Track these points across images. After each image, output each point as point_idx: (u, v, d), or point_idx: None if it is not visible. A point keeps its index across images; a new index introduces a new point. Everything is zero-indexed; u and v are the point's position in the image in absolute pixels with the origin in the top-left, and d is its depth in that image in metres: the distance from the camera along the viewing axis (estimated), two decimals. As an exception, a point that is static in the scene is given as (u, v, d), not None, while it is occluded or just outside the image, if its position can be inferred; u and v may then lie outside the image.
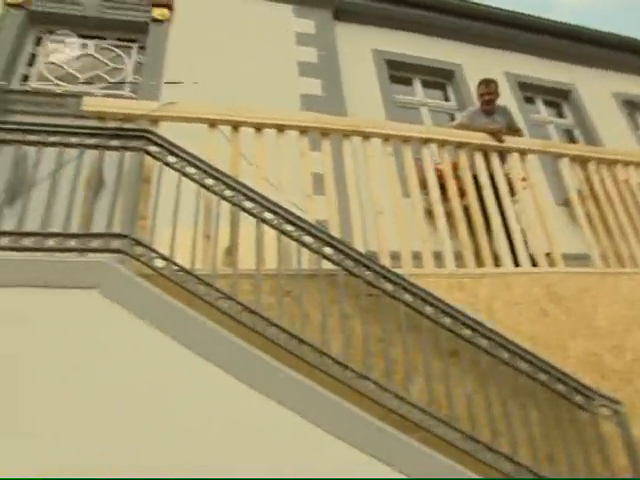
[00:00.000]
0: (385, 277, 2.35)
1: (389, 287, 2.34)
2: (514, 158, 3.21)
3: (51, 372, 1.83)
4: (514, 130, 3.97)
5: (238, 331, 1.98)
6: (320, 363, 2.04)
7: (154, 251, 2.01)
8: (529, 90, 6.45)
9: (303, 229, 2.21)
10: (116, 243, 2.02)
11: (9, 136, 2.22)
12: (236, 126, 2.65)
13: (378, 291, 2.34)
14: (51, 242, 2.05)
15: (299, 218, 2.24)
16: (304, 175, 2.65)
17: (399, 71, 5.96)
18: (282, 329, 2.03)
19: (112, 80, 4.79)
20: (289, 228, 2.21)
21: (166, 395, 1.81)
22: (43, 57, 4.93)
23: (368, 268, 2.34)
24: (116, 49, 5.07)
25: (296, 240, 2.20)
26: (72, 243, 2.04)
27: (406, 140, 3.00)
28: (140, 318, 1.88)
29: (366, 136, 2.90)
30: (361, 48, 5.79)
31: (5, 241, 2.06)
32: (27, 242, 2.06)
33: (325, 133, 2.81)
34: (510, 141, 3.27)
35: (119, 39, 5.12)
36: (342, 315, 2.25)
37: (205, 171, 2.17)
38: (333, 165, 2.77)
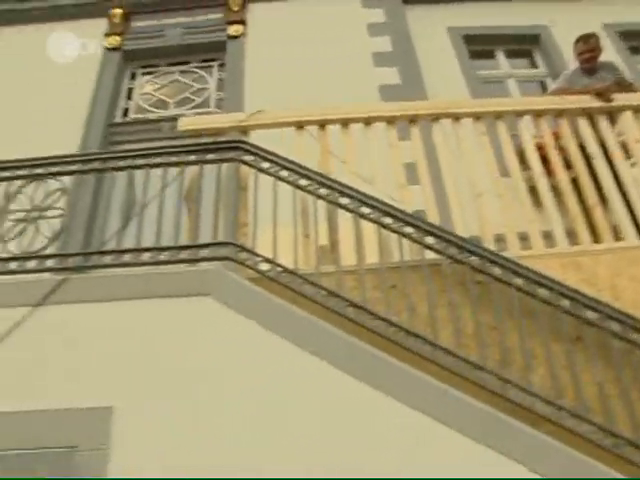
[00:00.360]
0: (492, 261, 2.22)
1: (497, 272, 2.21)
2: (626, 117, 2.88)
3: (178, 376, 1.97)
4: (625, 86, 3.52)
5: (345, 328, 1.99)
6: (432, 355, 1.97)
7: (258, 255, 2.07)
8: (634, 39, 5.73)
9: (402, 220, 2.16)
10: (222, 251, 2.12)
11: (121, 163, 2.43)
12: (323, 125, 2.67)
13: (486, 277, 2.22)
14: (164, 255, 2.21)
15: (397, 209, 2.20)
16: (395, 166, 2.60)
17: (478, 45, 5.60)
18: (390, 322, 1.99)
19: (198, 100, 5.08)
20: (388, 220, 2.17)
21: (283, 394, 1.86)
22: (138, 89, 5.37)
23: (473, 254, 2.22)
24: (199, 70, 5.38)
25: (396, 232, 2.16)
26: (183, 255, 2.18)
27: (498, 116, 2.82)
28: (252, 320, 1.95)
29: (456, 117, 2.78)
30: (435, 28, 5.54)
31: (127, 258, 2.25)
32: (145, 257, 2.23)
33: (413, 120, 2.72)
34: (620, 99, 2.94)
35: (201, 61, 5.43)
36: (450, 305, 2.17)
37: (298, 172, 2.21)
38: (424, 152, 2.68)
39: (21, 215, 2.52)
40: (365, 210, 2.21)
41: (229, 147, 2.35)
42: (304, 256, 2.28)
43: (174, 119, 4.86)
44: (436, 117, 2.79)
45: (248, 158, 2.31)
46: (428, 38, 5.40)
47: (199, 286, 2.02)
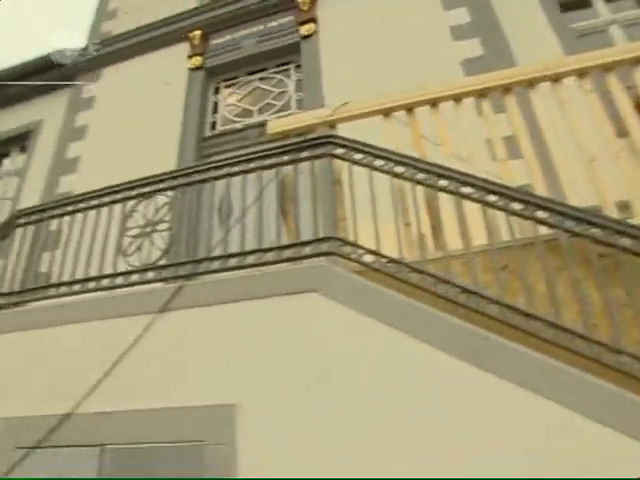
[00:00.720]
0: (618, 231, 1.99)
1: (626, 242, 1.98)
2: None
3: (295, 372, 2.02)
4: None
5: (457, 314, 1.91)
6: (555, 337, 1.82)
7: (362, 247, 2.06)
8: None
9: (508, 196, 2.02)
10: (325, 246, 2.14)
11: (219, 172, 2.54)
12: (411, 108, 2.58)
13: (612, 249, 2.00)
14: (269, 256, 2.27)
15: (501, 186, 2.06)
16: (494, 141, 2.44)
17: (569, -6, 5.04)
18: (507, 306, 1.87)
19: (279, 104, 5.20)
20: (492, 198, 2.04)
21: (402, 386, 1.82)
22: (222, 102, 5.63)
23: (594, 225, 2.02)
24: (277, 75, 5.50)
25: (503, 210, 2.02)
26: (287, 253, 2.22)
27: (608, 68, 2.52)
28: (362, 313, 1.94)
29: (555, 79, 2.54)
30: (515, -13, 5.10)
31: (233, 262, 2.35)
32: (250, 260, 2.31)
33: (507, 89, 2.54)
34: None
35: (278, 65, 5.55)
36: (572, 282, 1.99)
37: (393, 160, 2.15)
38: (524, 122, 2.49)
39: (137, 231, 2.74)
40: (466, 190, 2.09)
41: (320, 143, 2.35)
42: (406, 245, 2.22)
43: (259, 125, 5.05)
44: (532, 82, 2.58)
45: (340, 151, 2.30)
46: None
47: (305, 283, 2.05)
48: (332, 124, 2.64)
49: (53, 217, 3.16)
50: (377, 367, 1.85)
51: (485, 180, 2.08)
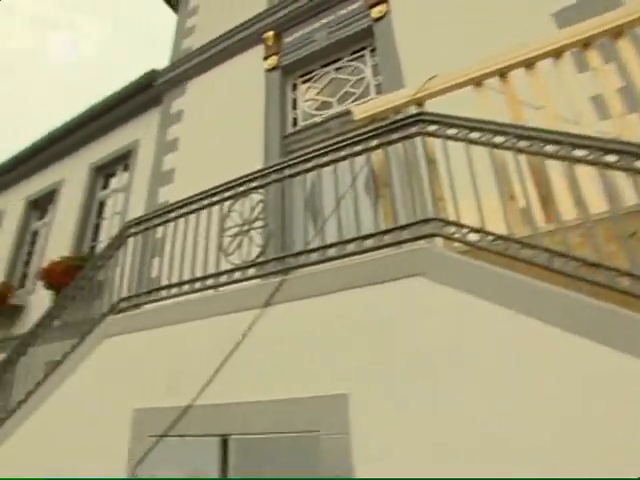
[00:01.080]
0: None
1: None
2: None
3: (404, 359, 1.96)
4: None
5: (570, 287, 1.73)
6: None
7: (465, 226, 1.94)
8: None
9: (632, 154, 1.79)
10: (426, 228, 2.05)
11: (309, 164, 2.54)
12: (503, 73, 2.39)
13: None
14: (368, 243, 2.23)
15: (622, 143, 1.82)
16: (606, 94, 2.18)
17: None
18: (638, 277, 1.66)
19: (358, 91, 5.13)
20: (612, 159, 1.82)
21: (521, 367, 1.70)
22: (301, 98, 5.68)
23: None
24: (352, 62, 5.43)
25: (626, 170, 1.79)
26: (387, 239, 2.17)
27: None
28: (471, 294, 1.84)
29: (677, 14, 2.20)
30: None
31: (331, 252, 2.34)
32: (349, 248, 2.28)
33: (618, 34, 2.24)
34: None
35: (352, 53, 5.48)
36: None
37: (491, 130, 2.01)
38: (640, 69, 2.19)
39: (235, 230, 2.84)
40: (579, 153, 1.89)
41: (410, 123, 2.26)
42: (513, 219, 2.06)
43: (340, 116, 5.03)
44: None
45: (432, 128, 2.19)
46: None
47: (410, 267, 1.98)
48: (420, 101, 2.53)
49: (159, 225, 3.38)
50: (487, 347, 1.74)
51: (599, 139, 1.86)
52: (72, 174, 8.27)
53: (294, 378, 2.24)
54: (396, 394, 1.91)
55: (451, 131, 2.12)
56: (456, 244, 2.10)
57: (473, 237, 1.95)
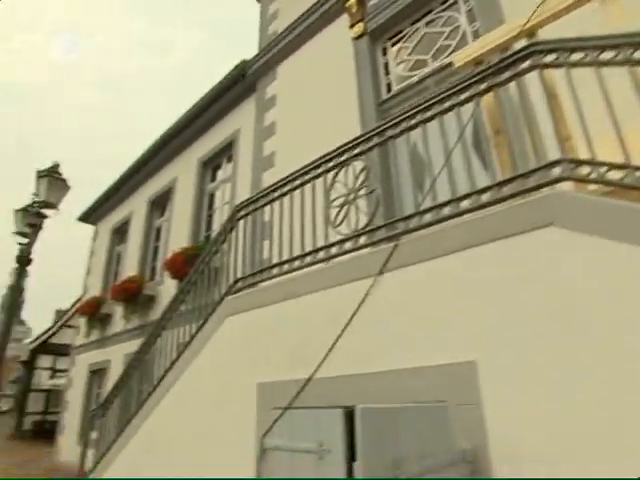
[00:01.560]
0: None
1: None
2: None
3: (535, 319, 1.76)
4: None
5: None
6: None
7: (605, 164, 1.67)
8: None
9: None
10: (554, 172, 1.81)
11: (412, 121, 2.38)
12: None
13: None
14: (486, 196, 2.03)
15: None
16: None
17: None
18: None
19: (454, 42, 4.75)
20: None
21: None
22: (393, 61, 5.43)
23: None
24: (444, 13, 5.03)
25: None
26: (507, 189, 1.96)
27: None
28: (619, 241, 1.58)
29: None
30: None
31: (446, 211, 2.18)
32: (464, 205, 2.11)
33: None
34: None
35: (442, 2, 5.07)
36: None
37: (630, 44, 1.68)
38: None
39: (341, 201, 2.79)
40: None
41: (521, 57, 2.00)
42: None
43: (436, 72, 4.72)
44: None
45: (550, 58, 1.91)
46: None
47: (538, 218, 1.76)
48: (532, 31, 2.23)
49: (265, 205, 3.45)
50: (629, 301, 1.48)
51: None
52: (183, 172, 8.90)
53: (416, 346, 2.15)
54: (529, 359, 1.73)
55: (575, 56, 1.83)
56: (591, 186, 1.83)
57: (615, 175, 1.68)
